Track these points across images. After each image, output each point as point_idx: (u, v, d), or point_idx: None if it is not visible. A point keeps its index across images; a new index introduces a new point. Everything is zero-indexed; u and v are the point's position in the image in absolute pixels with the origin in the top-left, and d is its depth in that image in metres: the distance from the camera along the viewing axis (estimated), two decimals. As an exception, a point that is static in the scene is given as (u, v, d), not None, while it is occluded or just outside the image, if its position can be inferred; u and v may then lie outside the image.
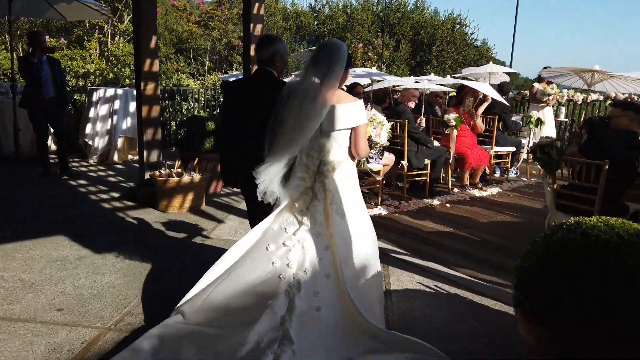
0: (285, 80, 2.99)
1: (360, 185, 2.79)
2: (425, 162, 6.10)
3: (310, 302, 2.39)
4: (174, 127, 8.56)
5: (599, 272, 1.84)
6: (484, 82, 7.63)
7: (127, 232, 4.40)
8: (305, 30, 18.31)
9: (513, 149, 7.40)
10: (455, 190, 6.53)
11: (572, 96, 10.42)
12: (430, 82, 6.88)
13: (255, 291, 2.46)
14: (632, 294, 1.77)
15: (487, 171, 7.11)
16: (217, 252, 2.95)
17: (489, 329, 2.85)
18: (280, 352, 2.20)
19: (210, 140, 5.52)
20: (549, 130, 8.27)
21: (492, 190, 6.66)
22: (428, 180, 6.21)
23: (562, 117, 9.52)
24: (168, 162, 5.29)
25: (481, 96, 6.82)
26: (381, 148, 5.37)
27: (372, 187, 5.90)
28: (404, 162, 5.86)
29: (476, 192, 6.49)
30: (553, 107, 8.73)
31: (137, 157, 6.91)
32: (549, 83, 8.64)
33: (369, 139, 4.47)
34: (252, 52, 5.85)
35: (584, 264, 1.87)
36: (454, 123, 6.25)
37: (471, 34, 18.42)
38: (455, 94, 7.73)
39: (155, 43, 5.33)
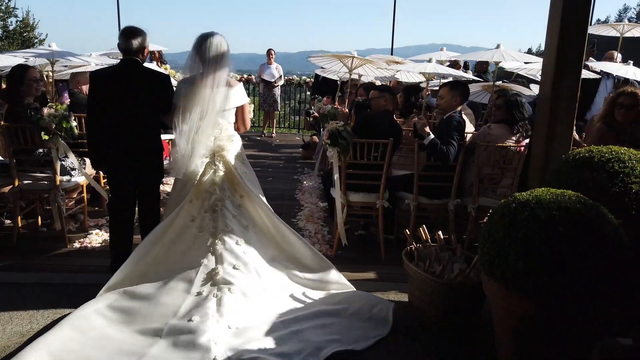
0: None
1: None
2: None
3: (235, 250, 2.92)
4: None
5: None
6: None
7: None
8: None
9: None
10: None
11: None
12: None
13: (188, 254, 2.92)
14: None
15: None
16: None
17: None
18: (221, 294, 2.70)
19: None
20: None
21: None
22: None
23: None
24: None
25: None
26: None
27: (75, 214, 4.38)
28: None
29: (166, 187, 5.82)
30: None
31: None
32: (163, 63, 8.55)
33: None
34: None
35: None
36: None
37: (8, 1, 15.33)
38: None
39: None
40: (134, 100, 3.02)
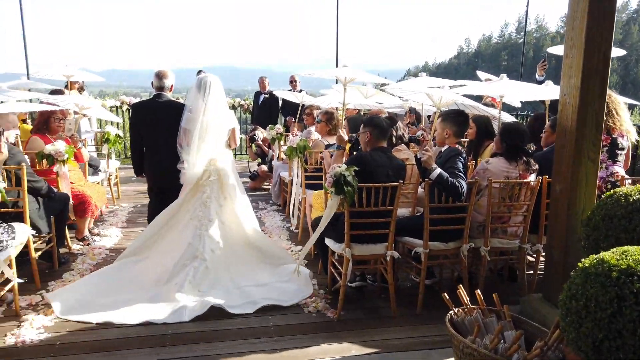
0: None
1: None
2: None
3: (215, 238, 3.82)
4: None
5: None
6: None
7: None
8: None
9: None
10: (78, 247, 4.68)
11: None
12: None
13: (182, 234, 3.84)
14: None
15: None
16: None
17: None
18: (198, 266, 3.68)
19: None
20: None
21: (112, 232, 5.22)
22: (55, 245, 4.12)
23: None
24: None
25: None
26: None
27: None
28: (31, 232, 3.60)
29: (106, 241, 4.90)
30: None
31: None
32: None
33: None
34: None
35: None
36: (66, 156, 4.35)
37: None
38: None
39: None
40: (167, 125, 3.87)
